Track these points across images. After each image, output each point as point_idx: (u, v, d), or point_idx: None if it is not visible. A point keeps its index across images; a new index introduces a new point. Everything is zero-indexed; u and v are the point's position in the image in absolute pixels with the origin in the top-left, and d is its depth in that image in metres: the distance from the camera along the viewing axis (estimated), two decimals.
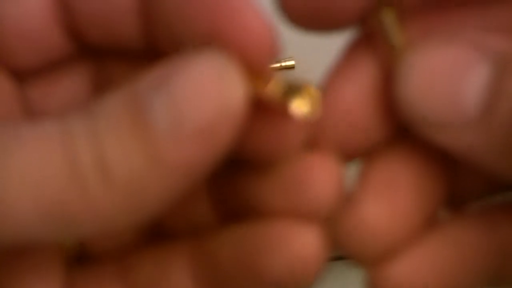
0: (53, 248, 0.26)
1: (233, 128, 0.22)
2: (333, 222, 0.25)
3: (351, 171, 0.27)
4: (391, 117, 0.26)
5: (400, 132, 0.26)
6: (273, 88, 0.22)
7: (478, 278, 0.26)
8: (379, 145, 0.27)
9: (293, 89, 0.22)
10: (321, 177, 0.25)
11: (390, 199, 0.26)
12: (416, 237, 0.26)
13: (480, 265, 0.26)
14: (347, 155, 0.26)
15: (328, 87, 0.27)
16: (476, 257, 0.26)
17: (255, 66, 0.23)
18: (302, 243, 0.25)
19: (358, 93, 0.26)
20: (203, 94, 0.21)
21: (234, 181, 0.26)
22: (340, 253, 0.26)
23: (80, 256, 0.28)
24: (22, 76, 0.26)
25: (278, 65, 0.49)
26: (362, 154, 0.27)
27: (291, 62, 0.51)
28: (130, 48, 0.26)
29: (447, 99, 0.24)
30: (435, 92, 0.24)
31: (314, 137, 0.26)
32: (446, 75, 0.24)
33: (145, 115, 0.21)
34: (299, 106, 0.22)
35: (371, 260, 0.26)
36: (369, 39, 0.26)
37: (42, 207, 0.20)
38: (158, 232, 0.28)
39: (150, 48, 0.25)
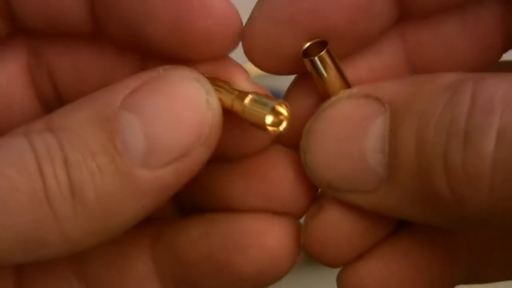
0: None
1: (209, 151, 0.22)
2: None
3: None
4: None
5: None
6: (245, 102, 0.23)
7: (448, 279, 0.26)
8: None
9: (265, 105, 0.23)
10: (294, 172, 0.25)
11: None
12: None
13: (449, 266, 0.26)
14: None
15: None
16: (444, 259, 0.26)
17: (211, 53, 0.23)
18: (274, 238, 0.24)
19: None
20: (179, 124, 0.21)
21: (201, 179, 0.26)
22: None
23: None
24: None
25: None
26: None
27: None
28: (71, 30, 0.24)
29: (354, 164, 0.23)
30: (339, 159, 0.23)
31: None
32: (346, 139, 0.23)
33: (118, 138, 0.21)
34: (271, 124, 0.23)
35: (337, 264, 0.25)
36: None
37: (14, 234, 0.20)
38: None
39: (96, 34, 0.24)
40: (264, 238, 0.24)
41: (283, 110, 0.23)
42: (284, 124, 0.23)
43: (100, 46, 0.24)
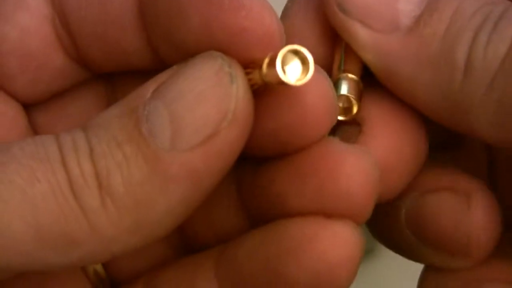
0: (80, 279, 0.26)
1: (239, 131, 0.21)
2: None
3: None
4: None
5: None
6: (263, 66, 0.21)
7: None
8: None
9: (283, 58, 0.21)
10: (352, 168, 0.22)
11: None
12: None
13: None
14: None
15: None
16: None
17: (258, 55, 0.21)
18: (329, 243, 0.22)
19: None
20: (202, 101, 0.20)
21: (259, 182, 0.24)
22: None
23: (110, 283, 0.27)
24: (29, 102, 0.25)
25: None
26: None
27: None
28: (137, 65, 0.24)
29: (382, 2, 0.23)
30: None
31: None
32: None
33: (144, 126, 0.20)
34: (291, 73, 0.21)
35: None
36: None
37: (40, 231, 0.19)
38: (188, 244, 0.27)
39: (158, 63, 0.24)
40: (316, 242, 0.22)
41: (300, 54, 0.21)
42: (310, 70, 0.21)
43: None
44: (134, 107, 0.20)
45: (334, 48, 0.25)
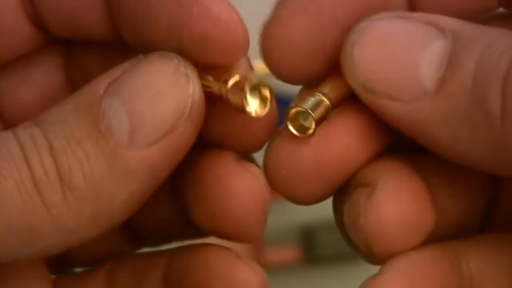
0: (39, 263, 0.26)
1: (194, 127, 0.22)
2: None
3: None
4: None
5: None
6: (228, 84, 0.22)
7: None
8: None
9: (245, 86, 0.22)
10: (237, 189, 0.23)
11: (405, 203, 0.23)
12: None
13: None
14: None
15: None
16: None
17: (221, 62, 0.22)
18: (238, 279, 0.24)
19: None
20: (161, 100, 0.21)
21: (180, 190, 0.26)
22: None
23: (67, 263, 0.28)
24: None
25: None
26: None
27: None
28: (98, 39, 0.25)
29: (403, 70, 0.22)
30: (389, 61, 0.23)
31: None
32: (402, 46, 0.23)
33: (102, 122, 0.21)
34: (252, 105, 0.22)
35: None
36: None
37: (7, 224, 0.20)
38: (137, 234, 0.28)
39: (118, 38, 0.25)
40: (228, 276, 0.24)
41: (264, 90, 0.22)
42: (267, 107, 0.22)
43: (126, 52, 0.24)
44: (89, 103, 0.21)
45: (325, 65, 0.24)
